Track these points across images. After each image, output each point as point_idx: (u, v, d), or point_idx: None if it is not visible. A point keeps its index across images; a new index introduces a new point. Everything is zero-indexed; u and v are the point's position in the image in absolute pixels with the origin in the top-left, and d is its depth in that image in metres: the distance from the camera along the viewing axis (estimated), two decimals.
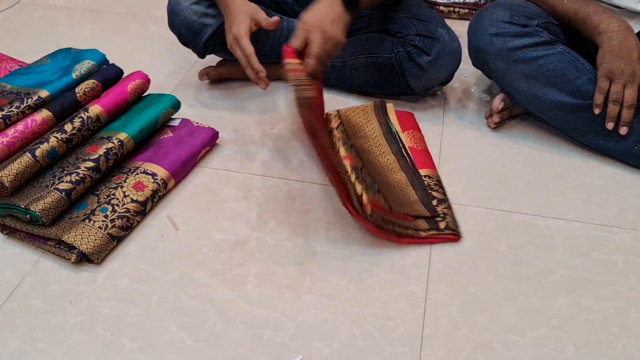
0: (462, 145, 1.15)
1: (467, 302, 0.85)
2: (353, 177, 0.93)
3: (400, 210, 0.95)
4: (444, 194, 1.02)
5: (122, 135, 1.01)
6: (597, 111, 1.04)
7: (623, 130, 1.05)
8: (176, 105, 1.13)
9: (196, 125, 1.13)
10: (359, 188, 0.91)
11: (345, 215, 0.99)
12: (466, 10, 1.62)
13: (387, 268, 0.90)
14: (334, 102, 1.27)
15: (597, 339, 0.80)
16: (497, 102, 1.16)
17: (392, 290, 0.87)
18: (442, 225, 0.95)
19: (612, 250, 0.93)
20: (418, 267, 0.90)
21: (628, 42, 1.02)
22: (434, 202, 0.99)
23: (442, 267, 0.90)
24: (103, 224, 0.90)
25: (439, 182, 1.04)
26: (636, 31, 1.08)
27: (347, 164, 0.97)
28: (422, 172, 1.05)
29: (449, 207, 0.99)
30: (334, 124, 1.12)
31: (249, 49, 1.04)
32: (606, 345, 0.79)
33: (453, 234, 0.94)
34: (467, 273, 0.89)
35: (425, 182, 1.03)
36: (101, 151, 0.97)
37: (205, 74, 1.32)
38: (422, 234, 0.94)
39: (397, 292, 0.86)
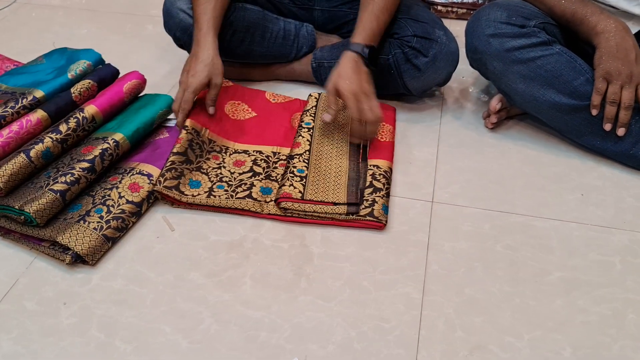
0: (459, 145, 1.15)
1: (463, 303, 0.85)
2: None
3: (318, 198, 0.97)
4: (386, 184, 1.02)
5: (118, 136, 1.01)
6: (594, 112, 1.04)
7: (620, 132, 1.04)
8: (171, 106, 1.13)
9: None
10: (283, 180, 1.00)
11: None
12: (464, 10, 1.62)
13: (383, 269, 0.90)
14: None
15: (593, 340, 0.80)
16: (495, 103, 1.16)
17: (388, 291, 0.86)
18: (364, 212, 0.96)
19: (610, 251, 0.93)
20: (414, 268, 0.90)
21: (625, 42, 1.02)
22: (368, 190, 1.00)
23: (439, 268, 0.90)
24: (98, 225, 0.90)
25: (385, 173, 1.04)
26: (634, 32, 1.08)
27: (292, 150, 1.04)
28: (373, 162, 1.06)
29: (384, 197, 0.99)
30: (309, 105, 1.18)
31: (189, 105, 1.07)
32: (603, 347, 0.79)
33: (376, 221, 0.95)
34: (464, 274, 0.89)
35: (370, 171, 1.04)
36: (96, 152, 0.97)
37: None
38: (340, 217, 0.96)
39: (393, 294, 0.86)
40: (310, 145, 1.08)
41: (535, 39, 1.07)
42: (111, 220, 0.91)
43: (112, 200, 0.94)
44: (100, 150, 0.97)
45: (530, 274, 0.89)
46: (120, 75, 1.16)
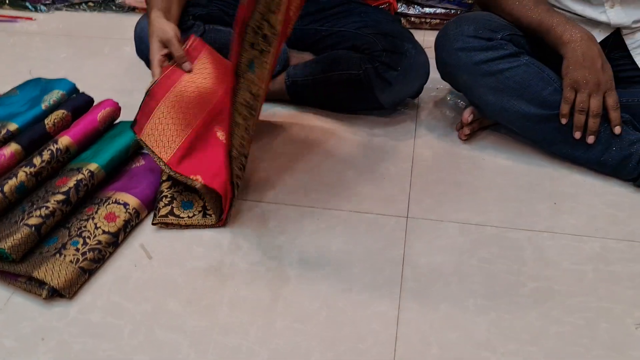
0: (433, 158, 1.16)
1: (439, 319, 0.86)
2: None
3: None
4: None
5: (93, 166, 1.01)
6: (563, 121, 1.06)
7: (590, 139, 1.06)
8: None
9: None
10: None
11: (319, 235, 0.99)
12: (437, 21, 1.63)
13: (360, 288, 0.90)
14: (304, 118, 1.27)
15: (567, 351, 0.81)
16: (467, 115, 1.17)
17: (364, 311, 0.87)
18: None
19: (582, 260, 0.94)
20: (390, 285, 0.91)
21: (591, 51, 1.03)
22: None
23: (415, 284, 0.91)
24: (74, 258, 0.90)
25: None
26: (600, 40, 1.09)
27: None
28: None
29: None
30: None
31: (155, 72, 1.08)
32: (577, 358, 0.80)
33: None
34: (439, 290, 0.90)
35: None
36: (71, 183, 0.97)
37: None
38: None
39: (369, 313, 0.87)
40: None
41: (502, 51, 1.09)
42: (87, 252, 0.92)
43: (88, 231, 0.95)
44: (75, 182, 0.98)
45: (505, 286, 0.90)
46: (94, 104, 1.17)
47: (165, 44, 1.09)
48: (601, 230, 0.99)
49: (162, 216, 1.00)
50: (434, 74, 1.21)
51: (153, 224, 1.00)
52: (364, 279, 0.92)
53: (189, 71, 1.09)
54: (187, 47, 1.11)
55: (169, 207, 1.01)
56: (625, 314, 0.86)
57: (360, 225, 1.01)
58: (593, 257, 0.94)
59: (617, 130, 1.05)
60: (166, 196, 1.02)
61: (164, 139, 1.01)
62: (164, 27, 1.09)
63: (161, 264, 0.95)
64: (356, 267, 0.94)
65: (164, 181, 1.04)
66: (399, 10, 1.65)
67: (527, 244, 0.97)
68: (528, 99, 1.08)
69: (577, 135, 1.06)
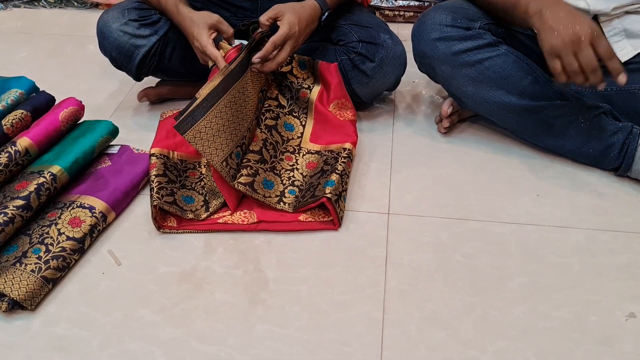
0: (413, 153, 1.13)
1: (425, 319, 0.82)
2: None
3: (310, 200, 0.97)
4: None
5: (55, 168, 0.95)
6: (565, 88, 1.02)
7: (601, 86, 0.94)
8: (113, 132, 1.08)
9: (137, 152, 1.08)
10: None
11: (297, 235, 0.95)
12: (411, 14, 1.60)
13: (342, 289, 0.87)
14: None
15: (557, 347, 0.79)
16: (446, 107, 1.15)
17: (348, 312, 0.84)
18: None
19: (567, 252, 0.92)
20: (373, 285, 0.87)
21: (559, 11, 0.94)
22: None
23: (398, 283, 0.87)
24: (36, 267, 0.85)
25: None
26: None
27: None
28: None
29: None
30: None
31: (215, 53, 1.02)
32: (567, 353, 0.78)
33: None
34: (424, 288, 0.87)
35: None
36: (32, 187, 0.91)
37: (144, 95, 1.26)
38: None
39: (353, 315, 0.83)
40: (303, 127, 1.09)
41: (481, 41, 1.06)
42: (50, 260, 0.86)
43: (51, 238, 0.89)
44: (36, 185, 0.92)
45: (490, 282, 0.88)
46: (56, 103, 1.10)
47: (213, 27, 1.04)
48: (585, 222, 0.97)
49: (167, 203, 0.94)
50: (410, 67, 1.18)
51: (153, 205, 0.93)
52: (346, 279, 0.88)
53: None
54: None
55: (171, 198, 0.96)
56: (614, 306, 0.84)
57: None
58: (578, 249, 0.92)
59: (622, 78, 0.92)
60: (165, 188, 0.96)
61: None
62: (205, 13, 1.06)
63: (131, 270, 0.90)
64: (337, 267, 0.90)
65: (157, 176, 0.98)
66: (372, 4, 1.62)
67: (512, 238, 0.95)
68: (508, 89, 1.05)
69: (602, 86, 0.94)
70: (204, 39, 1.02)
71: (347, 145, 1.06)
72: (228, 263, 0.91)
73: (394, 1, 1.61)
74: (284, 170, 1.04)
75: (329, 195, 0.94)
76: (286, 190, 1.00)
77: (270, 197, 0.98)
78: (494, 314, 0.83)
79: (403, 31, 1.52)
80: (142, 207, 1.01)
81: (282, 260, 0.91)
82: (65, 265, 0.87)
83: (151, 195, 0.95)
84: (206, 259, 0.92)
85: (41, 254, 0.86)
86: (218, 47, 1.03)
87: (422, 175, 1.08)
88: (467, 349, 0.78)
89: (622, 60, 1.10)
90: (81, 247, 0.90)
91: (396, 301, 0.85)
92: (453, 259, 0.91)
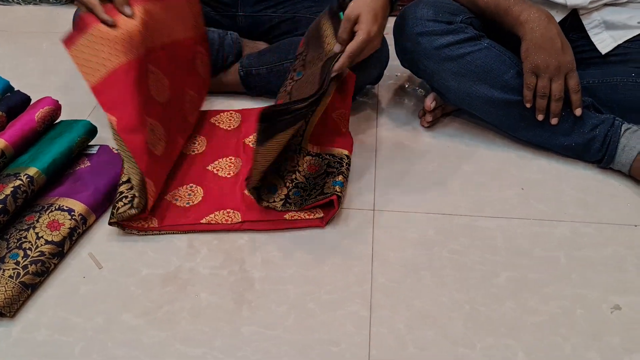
0: (397, 148, 1.12)
1: (413, 317, 0.82)
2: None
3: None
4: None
5: (32, 170, 0.93)
6: (528, 105, 1.03)
7: (554, 121, 1.04)
8: (92, 132, 1.05)
9: (117, 152, 1.05)
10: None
11: (282, 234, 0.94)
12: None
13: (329, 288, 0.86)
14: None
15: (545, 342, 0.78)
16: (429, 102, 1.14)
17: (335, 311, 0.83)
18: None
19: (554, 246, 0.92)
20: (361, 283, 0.86)
21: (550, 32, 1.00)
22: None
23: (385, 281, 0.87)
24: (14, 272, 0.82)
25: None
26: (558, 20, 1.07)
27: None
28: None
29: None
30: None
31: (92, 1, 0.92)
32: (555, 348, 0.78)
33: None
34: (412, 285, 0.86)
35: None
36: (8, 190, 0.88)
37: None
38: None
39: (341, 314, 0.82)
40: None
41: (463, 35, 1.05)
42: (29, 265, 0.83)
43: (29, 242, 0.86)
44: (12, 188, 0.89)
45: (478, 277, 0.87)
46: (32, 102, 1.07)
47: None
48: (570, 215, 0.97)
49: (120, 214, 0.90)
50: (393, 60, 1.17)
51: (110, 223, 0.91)
52: (333, 277, 0.87)
53: (129, 16, 0.94)
54: None
55: (128, 206, 0.91)
56: (600, 299, 0.84)
57: None
58: (564, 242, 0.93)
59: (578, 112, 1.03)
60: (126, 197, 0.92)
61: (93, 60, 0.91)
62: None
63: (113, 274, 0.88)
64: (324, 265, 0.89)
65: (123, 182, 0.94)
66: None
67: (498, 233, 0.94)
68: (490, 83, 1.05)
69: (540, 117, 1.04)
70: None
71: (346, 152, 1.04)
72: (212, 264, 0.90)
73: None
74: (287, 171, 1.01)
75: (339, 194, 0.93)
76: (290, 193, 0.97)
77: (275, 201, 0.96)
78: (482, 310, 0.82)
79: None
80: None
81: (267, 260, 0.90)
82: (44, 270, 0.85)
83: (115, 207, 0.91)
84: (190, 260, 0.90)
85: (19, 259, 0.84)
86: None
87: (406, 171, 1.07)
88: (456, 346, 0.78)
89: (603, 53, 1.11)
90: (60, 250, 0.88)
91: (384, 299, 0.84)
92: (440, 255, 0.91)
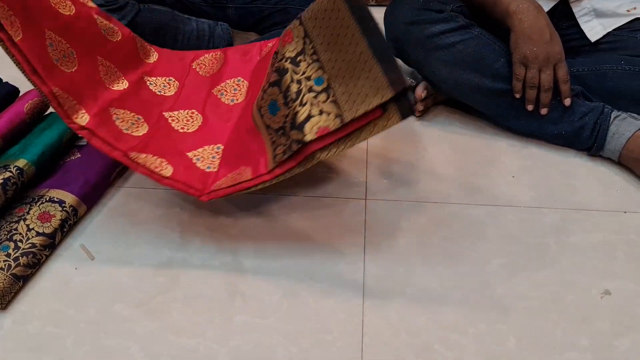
0: (388, 137, 1.12)
1: (405, 304, 0.82)
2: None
3: (360, 111, 0.75)
4: None
5: (21, 162, 0.92)
6: (517, 96, 1.04)
7: (543, 111, 1.04)
8: None
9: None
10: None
11: (274, 223, 0.94)
12: None
13: (321, 277, 0.86)
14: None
15: (536, 327, 0.79)
16: (420, 91, 1.14)
17: (328, 300, 0.83)
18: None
19: (544, 232, 0.93)
20: (353, 272, 0.87)
21: (539, 22, 1.00)
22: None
23: (377, 269, 0.87)
24: (5, 264, 0.82)
25: None
26: (547, 10, 1.08)
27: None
28: None
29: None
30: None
31: None
32: (545, 334, 0.78)
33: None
34: (403, 273, 0.87)
35: None
36: None
37: None
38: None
39: (333, 302, 0.83)
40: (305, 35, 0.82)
41: (454, 24, 1.05)
42: (20, 257, 0.83)
43: (20, 234, 0.86)
44: (2, 180, 0.88)
45: (469, 265, 0.88)
46: (20, 94, 1.07)
47: None
48: (560, 202, 0.98)
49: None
50: None
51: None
52: (325, 266, 0.87)
53: None
54: None
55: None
56: (590, 284, 0.85)
57: (317, 210, 0.97)
58: (554, 228, 0.93)
59: (567, 102, 1.04)
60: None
61: None
62: None
63: (105, 265, 0.88)
64: (316, 254, 0.89)
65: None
66: None
67: (489, 220, 0.95)
68: (481, 71, 1.05)
69: (530, 107, 1.04)
70: None
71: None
72: (205, 254, 0.89)
73: None
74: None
75: (308, 138, 0.75)
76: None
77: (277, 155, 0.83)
78: (473, 297, 0.83)
79: (375, 15, 1.51)
80: (115, 199, 0.99)
81: (259, 250, 0.90)
82: (35, 262, 0.85)
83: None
84: (182, 250, 0.90)
85: (10, 251, 0.83)
86: None
87: (398, 160, 1.07)
88: (448, 333, 0.79)
89: (593, 40, 1.12)
90: (52, 242, 0.87)
91: (376, 287, 0.84)
92: (431, 242, 0.91)
